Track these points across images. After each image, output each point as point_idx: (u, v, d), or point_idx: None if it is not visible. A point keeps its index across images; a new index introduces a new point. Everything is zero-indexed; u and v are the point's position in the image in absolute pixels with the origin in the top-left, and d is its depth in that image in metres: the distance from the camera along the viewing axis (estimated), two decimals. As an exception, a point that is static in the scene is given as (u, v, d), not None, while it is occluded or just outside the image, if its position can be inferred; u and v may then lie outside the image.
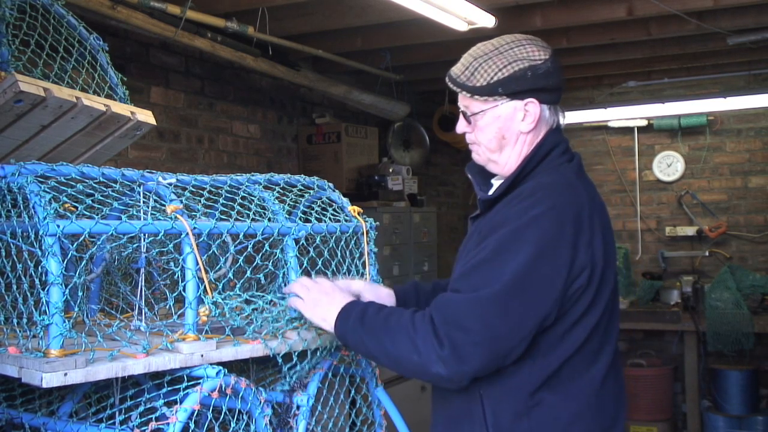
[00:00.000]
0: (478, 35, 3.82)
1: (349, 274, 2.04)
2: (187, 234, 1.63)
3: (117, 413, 1.59)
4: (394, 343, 1.62)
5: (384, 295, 1.92)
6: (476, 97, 1.71)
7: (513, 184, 1.70)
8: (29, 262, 1.51)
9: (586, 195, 1.67)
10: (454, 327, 1.55)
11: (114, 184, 1.69)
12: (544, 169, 1.71)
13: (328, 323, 1.72)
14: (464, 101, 1.75)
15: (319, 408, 1.92)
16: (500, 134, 1.73)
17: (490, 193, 1.78)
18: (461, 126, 1.79)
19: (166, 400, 1.54)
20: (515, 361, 1.60)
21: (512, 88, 1.69)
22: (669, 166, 6.04)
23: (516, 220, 1.60)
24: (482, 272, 1.59)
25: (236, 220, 1.78)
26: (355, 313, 1.69)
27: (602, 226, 1.66)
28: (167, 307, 1.71)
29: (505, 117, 1.72)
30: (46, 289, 1.44)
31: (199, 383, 1.54)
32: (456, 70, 1.75)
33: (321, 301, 1.74)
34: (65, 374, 1.41)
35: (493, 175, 1.84)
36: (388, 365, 1.69)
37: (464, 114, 1.76)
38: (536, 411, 1.61)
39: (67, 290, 1.48)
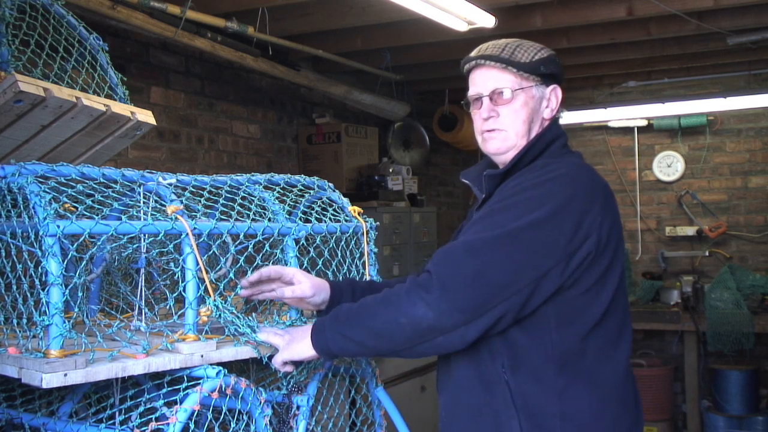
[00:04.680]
0: (478, 35, 3.83)
1: (349, 275, 2.04)
2: (188, 234, 1.63)
3: (117, 413, 1.59)
4: (377, 316, 1.59)
5: (318, 280, 1.86)
6: (521, 73, 1.74)
7: (519, 162, 1.73)
8: (29, 263, 1.51)
9: (599, 178, 1.71)
10: (448, 270, 1.54)
11: (114, 185, 1.69)
12: (551, 155, 1.74)
13: (307, 349, 1.69)
14: (501, 80, 1.75)
15: (319, 408, 1.92)
16: (530, 117, 1.76)
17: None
18: (486, 110, 1.77)
19: (166, 400, 1.54)
20: (531, 337, 1.60)
21: (550, 69, 1.76)
22: (669, 166, 6.05)
23: (528, 182, 1.64)
24: (487, 221, 1.61)
25: (236, 220, 1.78)
26: (328, 320, 1.68)
27: (612, 212, 1.68)
28: (167, 307, 1.71)
29: (536, 99, 1.77)
30: (46, 290, 1.43)
31: (199, 383, 1.54)
32: (490, 50, 1.77)
33: (294, 337, 1.72)
34: (65, 375, 1.41)
35: None
36: (380, 347, 1.62)
37: (491, 97, 1.76)
38: (566, 396, 1.60)
39: (67, 291, 1.47)
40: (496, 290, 1.53)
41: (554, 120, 1.81)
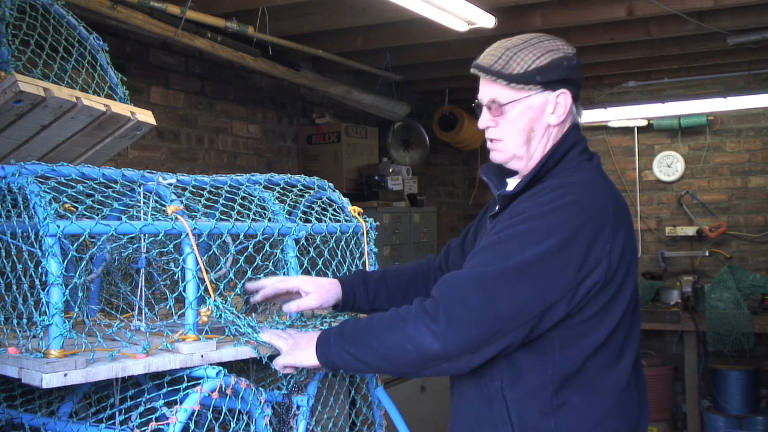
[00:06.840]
0: (478, 35, 3.84)
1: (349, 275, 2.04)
2: (188, 234, 1.63)
3: (117, 413, 1.59)
4: (383, 340, 1.59)
5: (327, 284, 1.87)
6: (512, 85, 1.67)
7: (534, 179, 1.68)
8: (29, 263, 1.51)
9: (609, 193, 1.66)
10: (455, 302, 1.53)
11: (114, 185, 1.69)
12: (566, 168, 1.69)
13: (310, 358, 1.68)
14: (494, 92, 1.71)
15: (319, 408, 1.92)
16: (530, 126, 1.70)
17: (509, 189, 1.75)
18: (484, 120, 1.74)
19: (166, 400, 1.54)
20: (533, 359, 1.59)
21: (550, 76, 1.66)
22: (669, 166, 6.04)
23: (536, 209, 1.59)
24: (494, 251, 1.58)
25: (236, 220, 1.78)
26: (333, 333, 1.67)
27: (625, 226, 1.64)
28: (167, 307, 1.71)
29: (537, 108, 1.69)
30: (46, 290, 1.43)
31: (199, 383, 1.54)
32: (487, 59, 1.71)
33: (298, 344, 1.71)
34: (65, 375, 1.41)
35: (509, 175, 1.81)
36: (384, 369, 1.66)
37: (490, 107, 1.72)
38: (562, 411, 1.59)
39: (67, 291, 1.47)
40: (503, 324, 1.53)
41: (573, 125, 1.73)
